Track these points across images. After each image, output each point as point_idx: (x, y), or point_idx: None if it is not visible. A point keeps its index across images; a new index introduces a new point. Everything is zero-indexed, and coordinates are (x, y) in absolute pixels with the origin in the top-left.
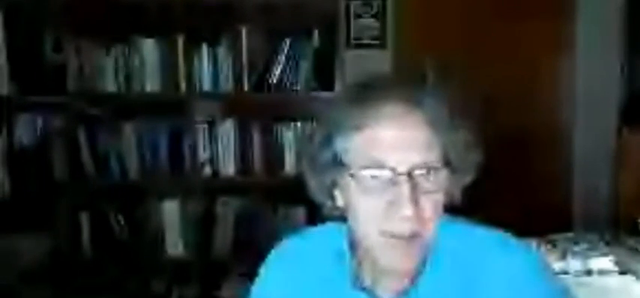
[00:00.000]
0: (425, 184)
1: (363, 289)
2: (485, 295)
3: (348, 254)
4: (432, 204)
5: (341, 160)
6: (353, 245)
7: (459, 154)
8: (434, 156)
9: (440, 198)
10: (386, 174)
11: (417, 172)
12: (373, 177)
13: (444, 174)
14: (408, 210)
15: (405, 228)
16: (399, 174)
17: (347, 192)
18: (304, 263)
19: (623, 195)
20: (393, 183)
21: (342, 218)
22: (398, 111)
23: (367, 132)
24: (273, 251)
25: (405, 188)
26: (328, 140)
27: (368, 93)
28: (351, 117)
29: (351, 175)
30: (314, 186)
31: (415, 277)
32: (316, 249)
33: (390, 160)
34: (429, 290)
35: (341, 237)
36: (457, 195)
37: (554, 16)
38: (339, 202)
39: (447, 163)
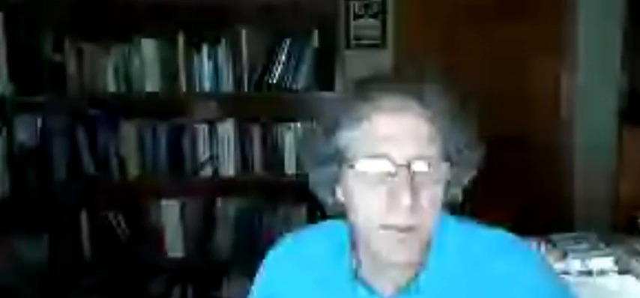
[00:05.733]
0: (423, 176)
1: (364, 285)
2: (488, 294)
3: (348, 250)
4: (430, 196)
5: (341, 154)
6: (353, 241)
7: (458, 149)
8: (433, 150)
9: (439, 191)
10: (385, 165)
11: (415, 164)
12: (372, 168)
13: (443, 167)
14: (406, 200)
15: (403, 219)
16: (398, 166)
17: (347, 186)
18: (304, 261)
19: (623, 195)
20: (391, 174)
21: (342, 215)
22: (397, 104)
23: (367, 125)
24: (271, 250)
25: (404, 179)
26: (329, 134)
27: (368, 88)
28: (351, 111)
29: (351, 167)
30: (315, 181)
31: (416, 274)
32: (316, 246)
33: (389, 152)
34: (431, 287)
35: (341, 234)
36: (458, 193)
37: (555, 16)
38: (340, 197)
39: (447, 158)
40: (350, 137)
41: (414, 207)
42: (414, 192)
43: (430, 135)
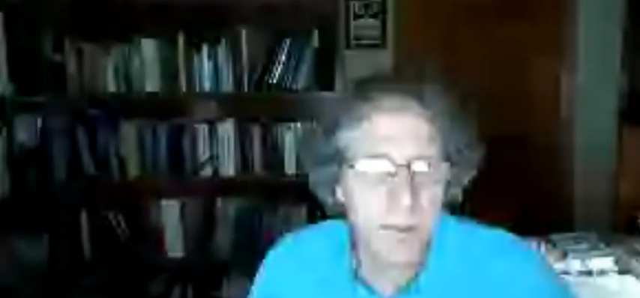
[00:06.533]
0: (423, 176)
1: (364, 285)
2: (488, 294)
3: (348, 250)
4: (430, 196)
5: (341, 154)
6: (353, 241)
7: (458, 149)
8: (433, 150)
9: (438, 191)
10: (384, 164)
11: (415, 164)
12: (372, 168)
13: (443, 167)
14: (406, 200)
15: (404, 219)
16: (398, 165)
17: (347, 186)
18: (304, 261)
19: (623, 195)
20: (391, 174)
21: (342, 215)
22: (397, 104)
23: (367, 125)
24: (271, 250)
25: (403, 178)
26: (329, 134)
27: (368, 88)
28: (351, 111)
29: (351, 167)
30: (316, 181)
31: (416, 274)
32: (316, 246)
33: (389, 151)
34: (430, 287)
35: (341, 234)
36: (458, 193)
37: (555, 16)
38: (340, 197)
39: (447, 158)
40: (350, 137)
41: (414, 207)
42: (414, 192)
43: (430, 135)
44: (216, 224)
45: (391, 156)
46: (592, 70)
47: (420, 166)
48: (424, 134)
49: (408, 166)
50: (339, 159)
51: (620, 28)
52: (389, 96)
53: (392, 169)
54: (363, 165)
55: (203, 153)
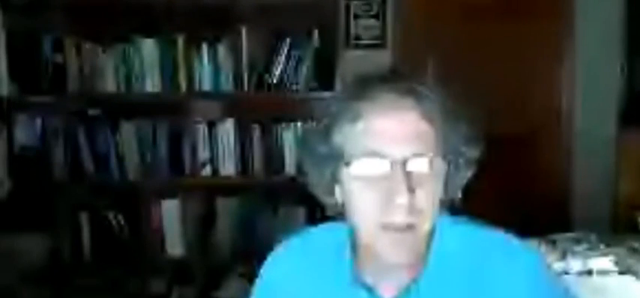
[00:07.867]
0: (420, 174)
1: (365, 287)
2: (488, 294)
3: (348, 252)
4: (427, 194)
5: (338, 153)
6: (355, 243)
7: (456, 148)
8: (430, 148)
9: (436, 189)
10: (381, 163)
11: (412, 162)
12: (369, 167)
13: (440, 166)
14: (402, 199)
15: (401, 218)
16: (395, 164)
17: (345, 186)
18: (306, 261)
19: (623, 195)
20: (388, 172)
21: (343, 216)
22: (394, 102)
23: (363, 124)
24: (274, 250)
25: (400, 177)
26: (326, 134)
27: (364, 86)
28: (347, 110)
29: (348, 166)
30: (314, 181)
31: (417, 275)
32: (318, 247)
33: (385, 150)
34: (431, 288)
35: (343, 235)
36: (457, 193)
37: (554, 17)
38: (339, 197)
39: (444, 156)
40: (346, 136)
41: (412, 206)
42: (412, 190)
43: (427, 133)
44: (216, 225)
45: (387, 154)
46: (592, 70)
47: (416, 164)
48: (421, 132)
49: (404, 164)
50: (336, 158)
51: (620, 28)
52: (385, 94)
53: (388, 168)
54: (359, 164)
55: (203, 153)
